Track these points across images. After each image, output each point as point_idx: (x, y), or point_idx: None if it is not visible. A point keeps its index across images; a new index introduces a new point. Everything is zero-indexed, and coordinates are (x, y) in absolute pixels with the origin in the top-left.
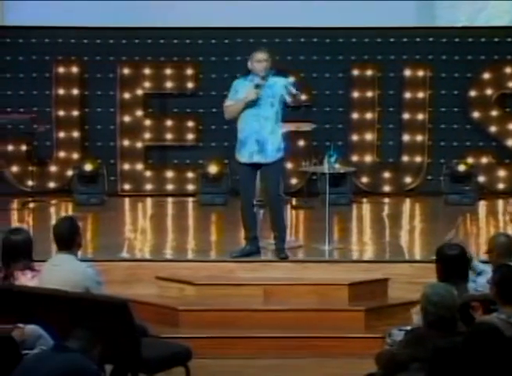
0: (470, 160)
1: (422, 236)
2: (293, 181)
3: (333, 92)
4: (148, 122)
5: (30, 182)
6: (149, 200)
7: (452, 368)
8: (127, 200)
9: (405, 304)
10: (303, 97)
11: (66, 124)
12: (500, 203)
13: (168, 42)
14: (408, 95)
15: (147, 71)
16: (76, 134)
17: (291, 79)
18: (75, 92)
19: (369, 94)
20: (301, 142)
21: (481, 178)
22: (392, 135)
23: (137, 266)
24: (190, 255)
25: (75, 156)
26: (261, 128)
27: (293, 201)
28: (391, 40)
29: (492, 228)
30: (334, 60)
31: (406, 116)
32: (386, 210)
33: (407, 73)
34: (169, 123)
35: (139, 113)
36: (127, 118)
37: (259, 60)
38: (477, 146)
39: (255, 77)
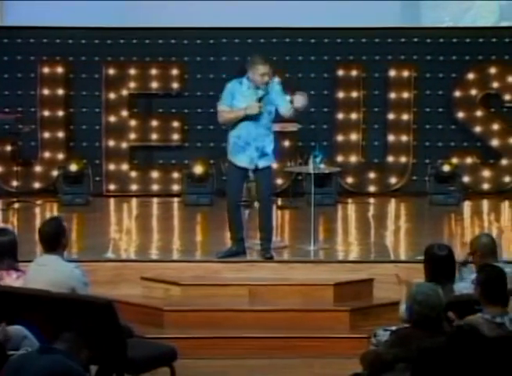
0: (454, 160)
1: (407, 237)
2: (279, 181)
3: (318, 93)
4: (133, 122)
5: (14, 183)
6: (134, 201)
7: (437, 368)
8: (112, 201)
9: (390, 304)
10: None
11: (51, 124)
12: (485, 203)
13: (153, 42)
14: (393, 95)
15: (132, 71)
16: (61, 134)
17: (277, 79)
18: (60, 92)
19: (354, 94)
20: (287, 143)
21: (466, 179)
22: (377, 136)
23: (122, 267)
24: (176, 256)
25: (60, 156)
26: (259, 135)
27: (279, 201)
28: (376, 40)
29: (477, 228)
30: (319, 60)
31: (391, 116)
32: (371, 210)
33: (392, 73)
34: (154, 123)
35: (124, 113)
36: (112, 118)
37: (262, 74)
38: (462, 147)
39: (251, 83)
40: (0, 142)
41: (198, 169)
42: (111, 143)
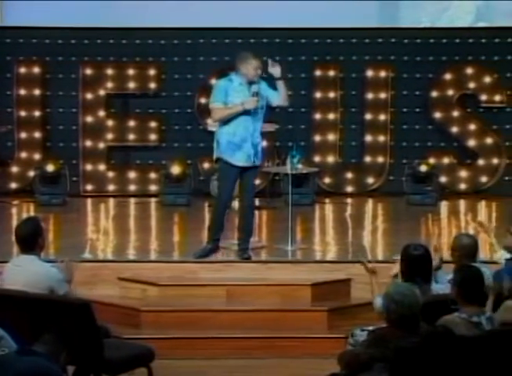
0: (431, 160)
1: (384, 237)
2: (256, 181)
3: (295, 93)
4: (110, 123)
5: None
6: (111, 201)
7: (414, 368)
8: (89, 201)
9: (367, 304)
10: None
11: (27, 124)
12: (462, 203)
13: (131, 43)
14: (370, 95)
15: (109, 72)
16: (38, 134)
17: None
18: (37, 92)
19: (332, 94)
20: (264, 143)
21: (443, 179)
22: (354, 136)
23: (99, 267)
24: (153, 256)
25: (37, 156)
26: (255, 131)
27: (257, 202)
28: (353, 40)
29: (454, 228)
30: (297, 61)
31: (368, 116)
32: (348, 210)
33: (369, 73)
34: (132, 123)
35: (102, 113)
36: (89, 119)
37: (256, 68)
38: (439, 147)
39: (242, 79)
40: None
41: (175, 169)
42: (88, 143)
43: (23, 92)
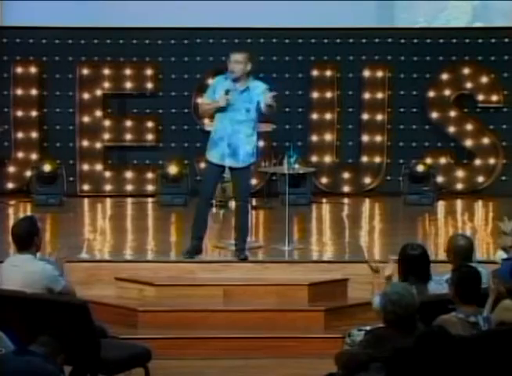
0: (428, 160)
1: (381, 237)
2: (253, 181)
3: (292, 93)
4: (107, 123)
5: None
6: (108, 201)
7: (411, 368)
8: (86, 201)
9: (364, 304)
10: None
11: (24, 124)
12: (459, 203)
13: (128, 42)
14: (367, 95)
15: (106, 71)
16: (34, 134)
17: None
18: (34, 92)
19: (329, 94)
20: (261, 143)
21: (440, 179)
22: (351, 136)
23: (96, 267)
24: (150, 256)
25: (34, 156)
26: (234, 133)
27: (253, 202)
28: (351, 40)
29: (451, 228)
30: (294, 61)
31: (365, 116)
32: (345, 210)
33: (366, 73)
34: (128, 123)
35: (98, 113)
36: (86, 119)
37: (235, 61)
38: (436, 147)
39: (229, 78)
40: None
41: (172, 169)
42: (85, 143)
43: (19, 91)
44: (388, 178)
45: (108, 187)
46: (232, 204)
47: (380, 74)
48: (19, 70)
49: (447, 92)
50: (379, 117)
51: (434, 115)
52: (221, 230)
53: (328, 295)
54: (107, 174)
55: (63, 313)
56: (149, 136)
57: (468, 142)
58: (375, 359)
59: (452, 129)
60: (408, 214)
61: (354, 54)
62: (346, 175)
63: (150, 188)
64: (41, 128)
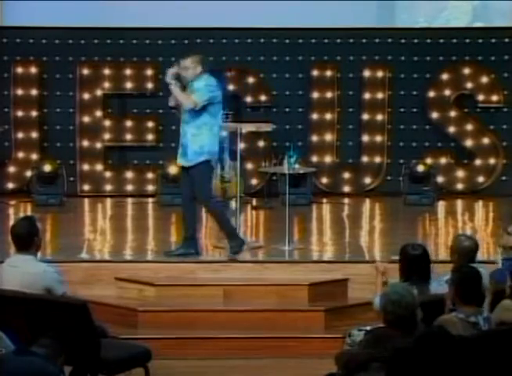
0: (428, 160)
1: (382, 237)
2: (254, 181)
3: (292, 93)
4: (107, 123)
5: None
6: (108, 201)
7: (411, 368)
8: (86, 201)
9: (365, 304)
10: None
11: (24, 124)
12: (459, 203)
13: (128, 42)
14: (367, 95)
15: (107, 72)
16: (35, 134)
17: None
18: (34, 92)
19: (329, 94)
20: (261, 143)
21: (440, 179)
22: (352, 136)
23: (96, 267)
24: (150, 256)
25: (34, 156)
26: (184, 133)
27: (254, 202)
28: (351, 40)
29: (451, 228)
30: (294, 61)
31: (366, 116)
32: (346, 210)
33: (366, 73)
34: (129, 123)
35: (99, 113)
36: (86, 119)
37: (183, 67)
38: (436, 147)
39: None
40: None
41: (173, 169)
42: (85, 144)
43: (20, 92)
44: (388, 178)
45: (108, 187)
46: (233, 204)
47: (380, 74)
48: (19, 70)
49: (447, 92)
50: (379, 117)
51: (435, 115)
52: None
53: (328, 295)
54: (107, 174)
55: (63, 313)
56: (150, 136)
57: (468, 142)
58: (375, 359)
59: (452, 129)
60: (408, 214)
61: (354, 54)
62: (346, 175)
63: (150, 188)
64: (41, 128)
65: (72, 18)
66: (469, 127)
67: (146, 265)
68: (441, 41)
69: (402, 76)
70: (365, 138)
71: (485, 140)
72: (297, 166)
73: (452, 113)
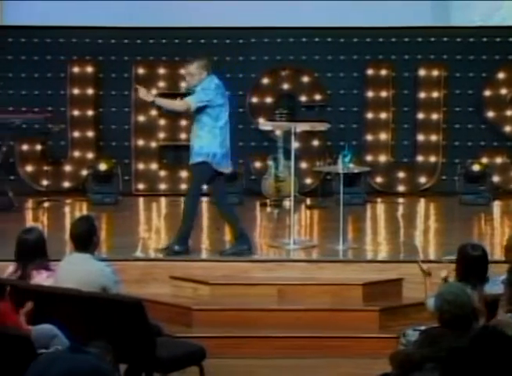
0: (484, 159)
1: (436, 236)
2: (308, 181)
3: (347, 92)
4: (162, 122)
5: (44, 182)
6: (163, 200)
7: (466, 368)
8: (141, 200)
9: (419, 304)
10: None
11: (80, 123)
12: None
13: (183, 42)
14: (422, 94)
15: (162, 71)
16: (90, 133)
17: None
18: (90, 91)
19: (384, 94)
20: (316, 142)
21: (496, 178)
22: (407, 135)
23: (151, 266)
24: (204, 255)
25: (90, 155)
26: (191, 133)
27: (308, 201)
28: (406, 39)
29: (507, 228)
30: (349, 60)
31: (421, 116)
32: (400, 210)
33: (422, 72)
34: (183, 123)
35: (154, 112)
36: (141, 118)
37: (188, 73)
38: (492, 146)
39: None
40: (30, 141)
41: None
42: (140, 143)
43: (76, 91)
44: (444, 177)
45: (163, 186)
46: (287, 203)
47: (435, 72)
48: (75, 69)
49: (503, 91)
50: (434, 116)
51: (491, 114)
52: (276, 229)
53: (382, 295)
54: (162, 173)
55: (118, 312)
56: None
57: None
58: (430, 359)
59: (508, 128)
60: (463, 214)
61: (409, 53)
62: (401, 175)
63: (205, 187)
64: (97, 128)
65: (127, 18)
66: None
67: (201, 264)
68: (498, 39)
69: (458, 75)
70: (421, 137)
71: None
72: (351, 165)
73: (509, 113)
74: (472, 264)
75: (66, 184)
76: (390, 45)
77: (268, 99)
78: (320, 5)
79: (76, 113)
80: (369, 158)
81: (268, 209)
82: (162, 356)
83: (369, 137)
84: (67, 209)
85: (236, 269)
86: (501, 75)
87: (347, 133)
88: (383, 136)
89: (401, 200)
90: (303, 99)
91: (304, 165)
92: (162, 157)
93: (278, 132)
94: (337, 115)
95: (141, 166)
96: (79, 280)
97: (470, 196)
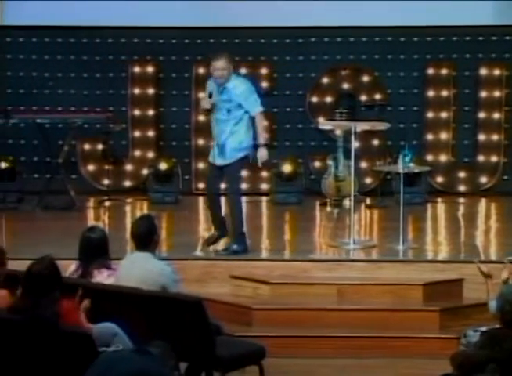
0: None
1: (497, 237)
2: (368, 180)
3: (407, 91)
4: None
5: (106, 181)
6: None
7: None
8: (201, 199)
9: (480, 305)
10: None
11: (141, 123)
12: None
13: (243, 42)
14: (483, 94)
15: None
16: (151, 133)
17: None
18: (150, 91)
19: (445, 93)
20: (376, 142)
21: None
22: (468, 135)
23: (211, 265)
24: (264, 254)
25: (150, 155)
26: (221, 133)
27: (368, 200)
28: (467, 38)
29: None
30: (409, 59)
31: (482, 115)
32: (461, 210)
33: (483, 72)
34: None
35: None
36: (201, 117)
37: (217, 69)
38: None
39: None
40: (91, 141)
41: (287, 168)
42: (200, 142)
43: (137, 91)
44: (505, 177)
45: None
46: (347, 203)
47: (496, 72)
48: (136, 69)
49: None
50: (496, 115)
51: None
52: (336, 229)
53: (443, 295)
54: None
55: (179, 310)
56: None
57: None
58: (491, 360)
59: None
60: None
61: (470, 52)
62: (462, 175)
63: (265, 186)
64: (157, 127)
65: (188, 18)
66: None
67: (261, 264)
68: None
69: None
70: (482, 137)
71: None
72: (411, 165)
73: None
74: None
75: (127, 183)
76: (451, 44)
77: (328, 99)
78: (381, 4)
79: (137, 112)
80: (429, 158)
81: (328, 209)
82: (222, 355)
83: (430, 136)
84: (128, 208)
85: (295, 268)
86: None
87: (408, 133)
88: (443, 136)
89: (461, 199)
90: (363, 98)
91: (364, 165)
92: None
93: (338, 132)
94: (397, 114)
95: (201, 165)
96: (139, 279)
97: None
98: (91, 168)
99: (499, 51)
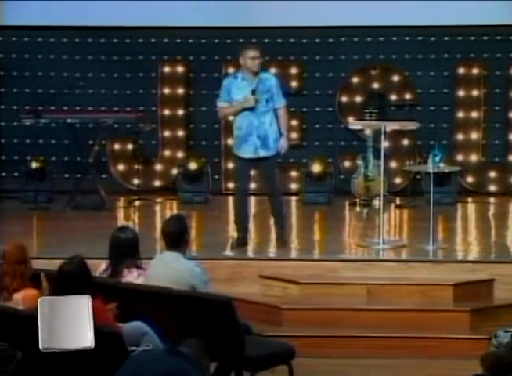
0: None
1: None
2: (397, 180)
3: (438, 91)
4: None
5: (135, 181)
6: (252, 199)
7: None
8: (231, 199)
9: (511, 305)
10: None
11: (171, 123)
12: None
13: (273, 41)
14: None
15: None
16: (181, 133)
17: (276, 79)
18: (180, 91)
19: (475, 93)
20: (406, 142)
21: None
22: (498, 135)
23: (241, 265)
24: (294, 254)
25: (180, 154)
26: (261, 124)
27: (397, 200)
28: (498, 38)
29: None
30: (439, 59)
31: None
32: (492, 210)
33: None
34: None
35: None
36: (231, 117)
37: (253, 57)
38: None
39: (245, 74)
40: (121, 140)
41: (316, 168)
42: (230, 142)
43: (167, 90)
44: None
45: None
46: (376, 202)
47: None
48: (166, 69)
49: None
50: None
51: None
52: (365, 229)
53: (473, 295)
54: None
55: (208, 310)
56: (294, 135)
57: None
58: None
59: None
60: None
61: (501, 51)
62: (492, 174)
63: (294, 186)
64: (187, 127)
65: (218, 18)
66: None
67: (290, 263)
68: None
69: None
70: None
71: None
72: (441, 165)
73: None
74: None
75: (157, 183)
76: (481, 44)
77: (358, 98)
78: (411, 4)
79: (167, 112)
80: (459, 158)
81: (358, 209)
82: (251, 355)
83: (460, 136)
84: (158, 208)
85: (325, 268)
86: None
87: (438, 132)
88: (474, 136)
89: (492, 199)
90: (393, 98)
91: (393, 164)
92: None
93: (367, 131)
94: (427, 114)
95: (230, 165)
96: (169, 279)
97: None
98: (121, 167)
99: None
